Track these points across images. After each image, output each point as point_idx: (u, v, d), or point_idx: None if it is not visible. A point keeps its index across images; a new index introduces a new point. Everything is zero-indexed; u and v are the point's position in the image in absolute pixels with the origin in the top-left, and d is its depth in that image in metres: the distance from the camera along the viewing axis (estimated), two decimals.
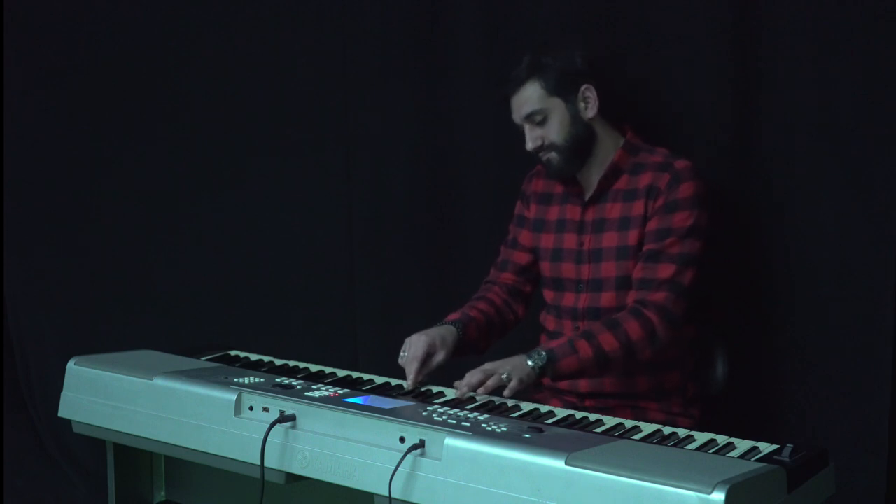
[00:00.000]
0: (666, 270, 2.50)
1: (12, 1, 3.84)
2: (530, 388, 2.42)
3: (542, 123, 2.59)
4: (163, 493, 2.63)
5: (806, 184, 2.67)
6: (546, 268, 2.70)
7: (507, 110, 2.66)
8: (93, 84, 3.74)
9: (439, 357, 2.48)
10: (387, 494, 1.95)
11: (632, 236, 2.56)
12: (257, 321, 3.52)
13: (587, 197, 2.64)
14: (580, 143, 2.60)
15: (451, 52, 3.11)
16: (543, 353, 2.39)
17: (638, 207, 2.56)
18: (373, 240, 3.32)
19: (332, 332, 3.42)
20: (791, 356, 2.73)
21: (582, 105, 2.60)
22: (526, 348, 2.75)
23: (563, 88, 2.59)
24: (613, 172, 2.61)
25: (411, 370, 2.42)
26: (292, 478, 2.13)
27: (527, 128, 2.61)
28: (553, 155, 2.61)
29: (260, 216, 3.52)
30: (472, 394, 2.32)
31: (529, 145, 2.61)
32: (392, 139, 3.26)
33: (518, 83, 2.60)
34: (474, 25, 3.06)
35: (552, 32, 2.93)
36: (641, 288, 2.51)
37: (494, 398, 2.34)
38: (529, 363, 2.37)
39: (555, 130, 2.59)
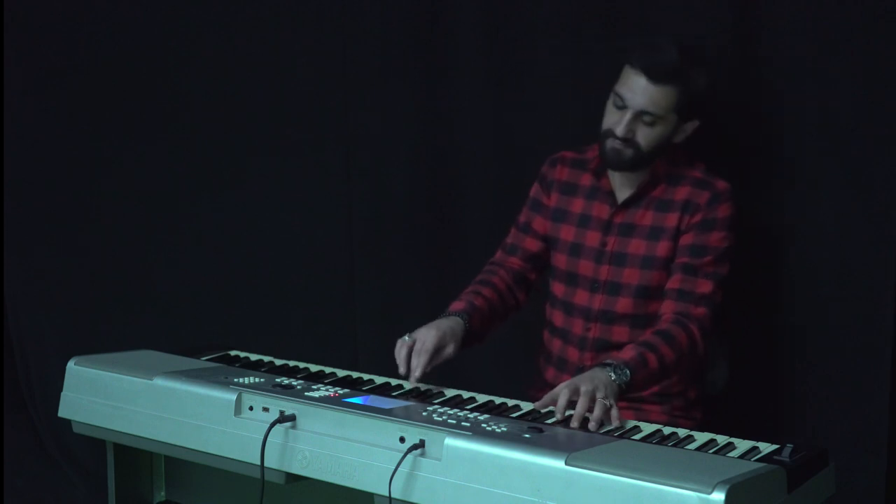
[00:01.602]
0: (705, 286, 2.48)
1: (12, 1, 3.84)
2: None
3: (646, 124, 2.48)
4: (163, 493, 2.63)
5: (806, 184, 2.67)
6: (562, 261, 2.66)
7: (613, 74, 2.52)
8: (93, 84, 3.74)
9: (449, 350, 2.44)
10: (387, 494, 1.95)
11: (661, 248, 2.54)
12: (257, 321, 3.52)
13: (620, 199, 2.59)
14: (654, 157, 2.54)
15: (451, 52, 3.11)
16: (627, 371, 2.29)
17: (672, 220, 2.53)
18: (373, 240, 3.32)
19: (332, 332, 3.42)
20: (791, 356, 2.73)
21: (680, 131, 2.54)
22: (529, 337, 2.75)
23: (683, 112, 2.50)
24: (653, 180, 2.57)
25: (420, 362, 2.38)
26: (292, 478, 2.13)
27: (630, 115, 2.47)
28: (629, 152, 2.50)
29: (260, 216, 3.52)
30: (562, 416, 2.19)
31: (621, 131, 2.47)
32: (392, 139, 3.25)
33: (661, 78, 2.45)
34: (474, 25, 3.06)
35: (553, 32, 2.93)
36: (681, 300, 2.48)
37: (494, 398, 2.34)
38: (613, 378, 2.26)
39: (650, 138, 2.50)
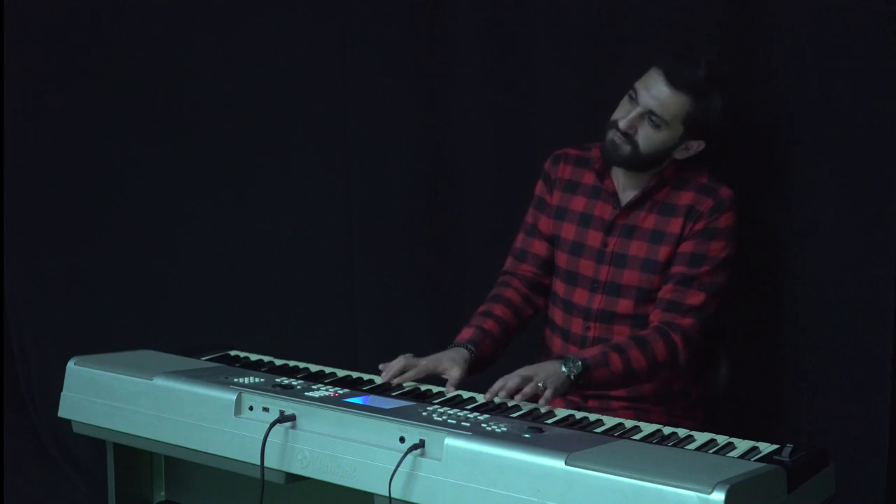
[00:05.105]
0: (696, 297, 2.49)
1: (12, 1, 3.84)
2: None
3: (651, 125, 2.48)
4: (163, 493, 2.63)
5: (806, 184, 2.67)
6: (563, 259, 2.66)
7: (633, 72, 2.53)
8: (93, 84, 3.74)
9: (454, 373, 2.42)
10: (387, 494, 1.95)
11: (662, 252, 2.54)
12: (257, 321, 3.52)
13: (624, 201, 2.59)
14: (651, 163, 2.53)
15: (451, 52, 3.11)
16: (580, 363, 2.34)
17: (675, 225, 2.53)
18: (373, 240, 3.32)
19: (332, 332, 3.42)
20: (791, 356, 2.73)
21: (682, 147, 2.53)
22: (530, 336, 2.75)
23: (692, 127, 2.49)
24: (658, 184, 2.56)
25: (405, 375, 2.39)
26: (292, 478, 2.13)
27: (637, 112, 2.48)
28: (627, 148, 2.50)
29: (260, 216, 3.52)
30: (501, 399, 2.26)
31: (623, 125, 2.48)
32: (392, 139, 3.25)
33: (678, 84, 2.46)
34: (474, 25, 3.05)
35: (553, 32, 2.93)
36: (669, 310, 2.49)
37: (495, 399, 2.34)
38: (564, 370, 2.32)
39: (651, 141, 2.49)
